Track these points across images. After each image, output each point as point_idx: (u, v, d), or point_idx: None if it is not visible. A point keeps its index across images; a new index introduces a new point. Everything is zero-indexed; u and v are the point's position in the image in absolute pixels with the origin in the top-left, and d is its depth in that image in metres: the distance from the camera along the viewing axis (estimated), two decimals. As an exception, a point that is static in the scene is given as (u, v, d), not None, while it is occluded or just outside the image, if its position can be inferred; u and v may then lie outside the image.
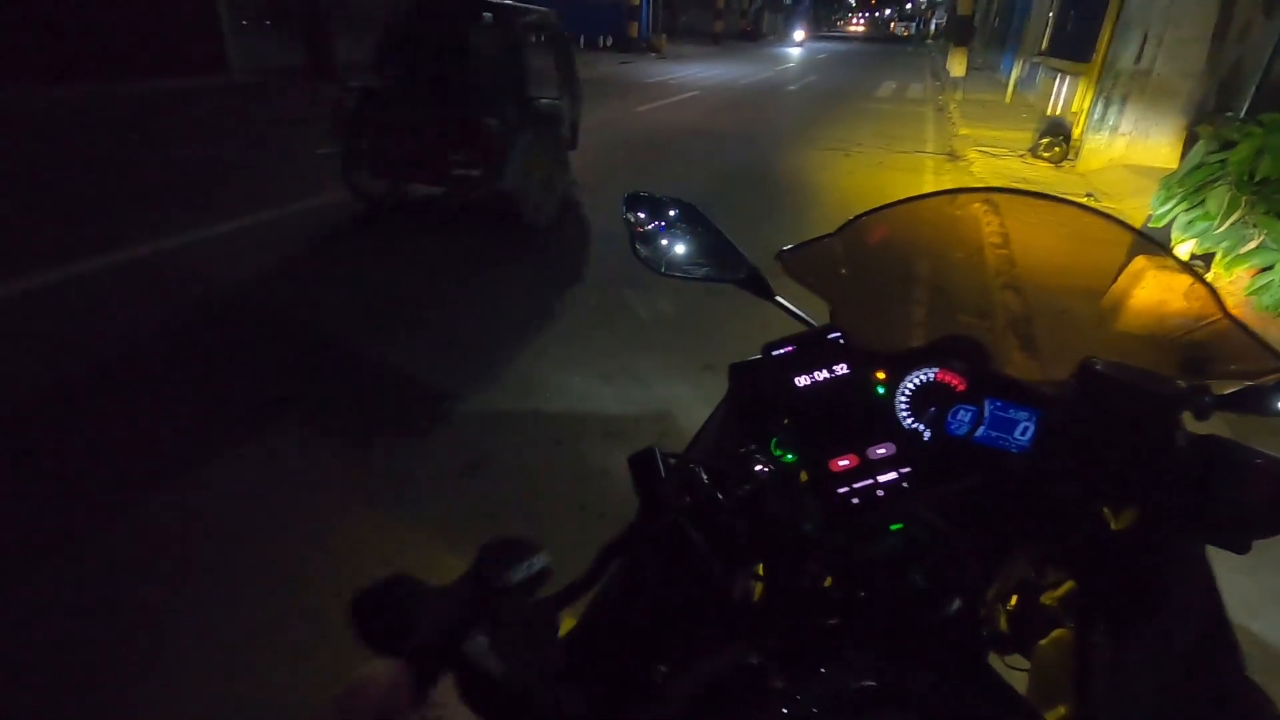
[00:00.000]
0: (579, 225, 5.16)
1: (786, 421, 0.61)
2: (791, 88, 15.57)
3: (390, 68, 4.72)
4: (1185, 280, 0.74)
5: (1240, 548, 0.59)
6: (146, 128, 7.63)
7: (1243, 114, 4.40)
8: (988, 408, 0.77)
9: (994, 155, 8.01)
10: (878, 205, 0.88)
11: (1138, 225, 3.17)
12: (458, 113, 4.34)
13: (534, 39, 5.00)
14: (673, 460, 0.59)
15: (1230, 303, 2.38)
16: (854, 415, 0.61)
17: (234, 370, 2.99)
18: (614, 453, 2.53)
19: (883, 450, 0.59)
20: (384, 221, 4.97)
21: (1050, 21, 12.13)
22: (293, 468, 2.42)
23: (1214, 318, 0.72)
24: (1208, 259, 3.23)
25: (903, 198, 0.88)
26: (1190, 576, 0.64)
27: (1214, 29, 6.38)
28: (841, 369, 0.64)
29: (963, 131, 9.69)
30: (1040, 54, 12.47)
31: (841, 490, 0.57)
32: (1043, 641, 0.80)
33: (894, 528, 0.55)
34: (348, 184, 4.80)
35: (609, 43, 22.36)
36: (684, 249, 0.95)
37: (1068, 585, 0.79)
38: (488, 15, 4.53)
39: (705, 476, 0.58)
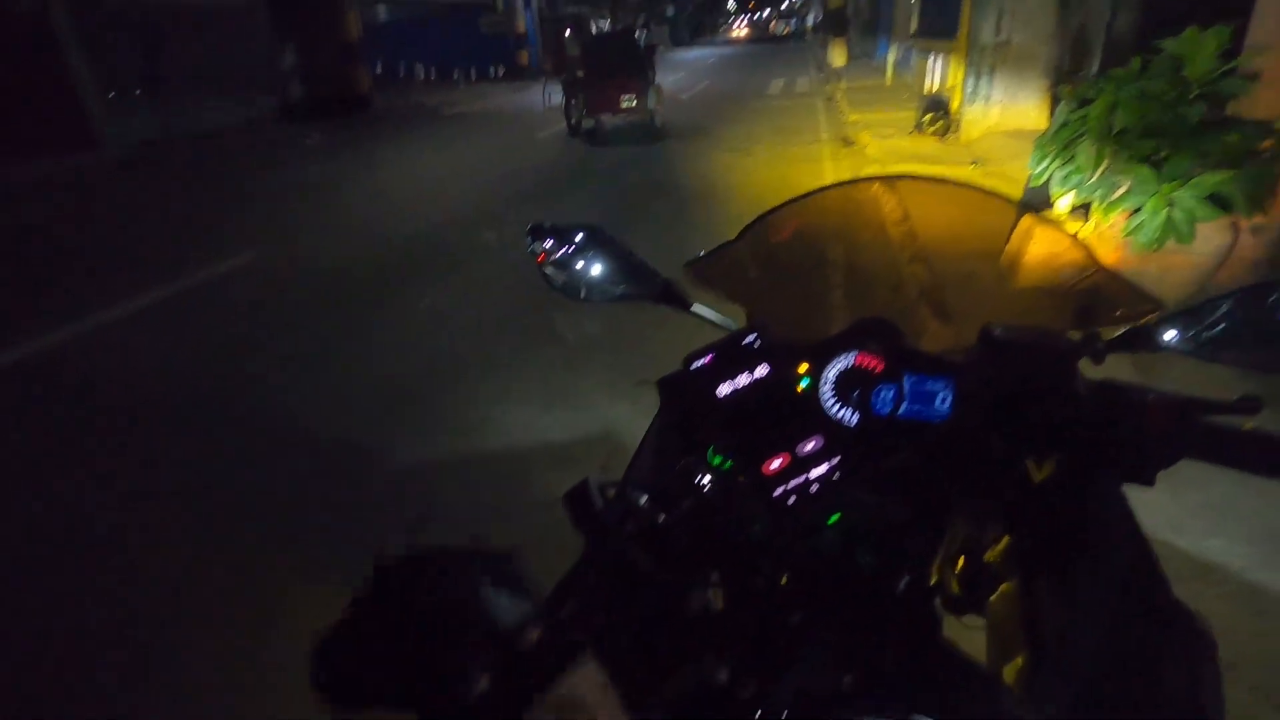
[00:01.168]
0: (488, 256, 5.10)
1: (717, 431, 0.61)
2: (684, 96, 15.91)
3: (589, 60, 10.34)
4: (1064, 239, 0.79)
5: (1147, 480, 0.63)
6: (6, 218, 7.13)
7: (1094, 71, 4.77)
8: (906, 383, 0.80)
9: (884, 136, 8.40)
10: (776, 205, 0.91)
11: (1021, 184, 3.37)
12: (630, 78, 9.79)
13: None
14: (610, 488, 0.58)
15: (1111, 244, 2.54)
16: (780, 414, 0.62)
17: (152, 448, 2.80)
18: (564, 481, 2.46)
19: (811, 444, 0.60)
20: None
21: (916, 6, 12.86)
22: (227, 549, 2.28)
23: (1092, 269, 0.77)
24: (1087, 208, 3.48)
25: (797, 194, 0.91)
26: (1111, 514, 0.68)
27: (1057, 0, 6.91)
28: (762, 370, 0.65)
29: (852, 118, 10.13)
30: (911, 37, 13.19)
31: (778, 491, 0.58)
32: (993, 598, 0.83)
33: (832, 519, 0.56)
34: (568, 119, 10.62)
35: (501, 73, 22.36)
36: (596, 272, 0.95)
37: (1006, 540, 0.82)
38: (637, 39, 10.86)
39: (645, 499, 0.57)
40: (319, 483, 2.61)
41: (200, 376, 3.50)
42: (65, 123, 10.56)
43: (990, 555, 0.87)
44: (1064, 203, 3.66)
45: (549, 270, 0.97)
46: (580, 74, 10.33)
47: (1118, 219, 3.22)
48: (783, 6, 78.45)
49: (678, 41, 44.70)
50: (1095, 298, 0.75)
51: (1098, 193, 3.27)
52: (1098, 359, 0.76)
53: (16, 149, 9.76)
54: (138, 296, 4.55)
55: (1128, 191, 3.15)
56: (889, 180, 0.92)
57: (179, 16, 12.33)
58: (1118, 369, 0.76)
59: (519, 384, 3.19)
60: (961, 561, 0.91)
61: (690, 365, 0.65)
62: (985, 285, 0.96)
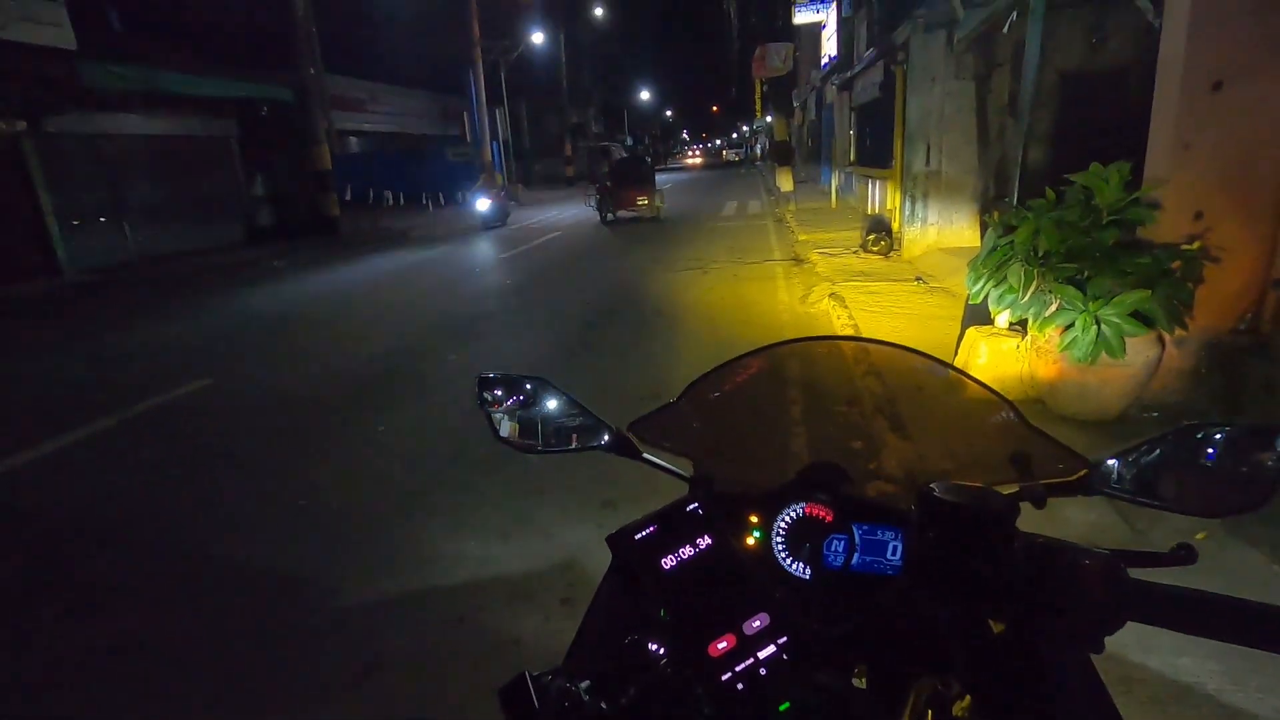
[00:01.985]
0: (448, 379, 5.10)
1: (662, 612, 0.60)
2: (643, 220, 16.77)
3: (614, 174, 16.08)
4: (994, 399, 0.82)
5: (1095, 646, 0.63)
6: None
7: (1015, 199, 5.20)
8: (857, 533, 0.80)
9: (832, 255, 8.90)
10: (715, 360, 0.94)
11: (962, 298, 3.55)
12: (642, 185, 15.42)
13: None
14: (550, 676, 0.56)
15: (1050, 358, 2.66)
16: (725, 588, 0.61)
17: (89, 583, 2.58)
18: (523, 619, 2.37)
19: (758, 623, 0.58)
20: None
21: (852, 139, 14.05)
22: (160, 702, 2.07)
23: (1023, 430, 0.80)
24: (1024, 324, 3.68)
25: (733, 357, 0.94)
26: (1073, 676, 0.67)
27: (977, 134, 7.64)
28: (704, 542, 0.64)
29: (802, 237, 10.75)
30: (850, 165, 14.30)
31: (725, 676, 0.56)
32: (962, 755, 0.79)
33: (783, 707, 0.54)
34: (601, 215, 15.92)
35: (466, 197, 23.32)
36: (546, 425, 0.95)
37: (968, 698, 0.80)
38: (647, 160, 18.77)
39: (585, 690, 0.55)
40: (264, 625, 2.43)
41: (144, 507, 3.31)
42: (28, 250, 10.57)
43: (957, 709, 0.84)
44: (1002, 319, 3.86)
45: (500, 420, 0.96)
46: (610, 184, 15.89)
47: (1053, 334, 3.41)
48: (733, 136, 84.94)
49: (636, 168, 47.41)
50: (1029, 454, 0.78)
51: (1031, 310, 3.47)
52: (1039, 504, 0.77)
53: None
54: (83, 425, 4.37)
55: (1058, 309, 3.35)
56: (824, 340, 0.96)
57: (147, 147, 12.70)
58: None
59: (476, 512, 3.09)
60: (930, 716, 0.87)
61: (634, 536, 0.64)
62: (926, 435, 0.98)
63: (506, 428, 0.96)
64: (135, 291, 9.90)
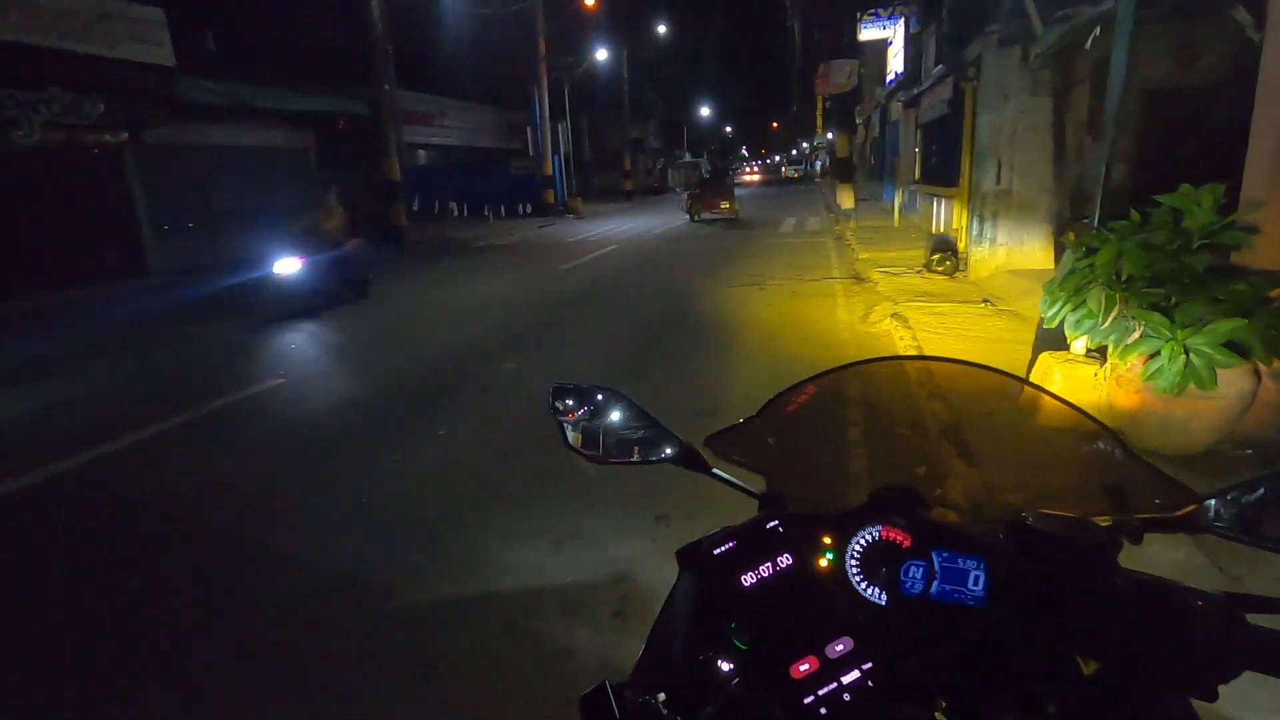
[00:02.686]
0: (508, 386, 5.18)
1: (734, 626, 0.58)
2: (702, 231, 16.77)
3: (703, 185, 20.49)
4: (1089, 423, 0.78)
5: (1207, 695, 0.58)
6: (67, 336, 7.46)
7: (1095, 220, 4.97)
8: (936, 561, 0.76)
9: (894, 274, 8.69)
10: (792, 383, 0.92)
11: (1032, 321, 3.41)
12: (724, 194, 19.24)
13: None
14: (627, 689, 0.55)
15: (1131, 388, 2.51)
16: (806, 609, 0.59)
17: (162, 573, 2.72)
18: (574, 630, 2.37)
19: (841, 646, 0.56)
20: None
21: (917, 156, 13.75)
22: (221, 695, 2.15)
23: (1123, 458, 0.75)
24: (1103, 351, 3.50)
25: (815, 373, 0.92)
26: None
27: (1053, 152, 7.36)
28: (785, 560, 0.62)
29: (862, 255, 10.54)
30: (915, 183, 13.99)
31: (807, 700, 0.54)
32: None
33: None
34: (691, 215, 19.74)
35: (529, 210, 23.85)
36: (615, 435, 0.95)
37: None
38: (729, 174, 28.28)
39: (664, 704, 0.54)
40: (320, 624, 2.50)
41: (211, 503, 3.47)
42: (121, 254, 11.33)
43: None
44: (1079, 345, 3.69)
45: (569, 430, 0.97)
46: (699, 191, 20.10)
47: (1135, 362, 3.23)
48: (792, 153, 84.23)
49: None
50: (1128, 485, 0.73)
51: (1112, 337, 3.30)
52: (1135, 540, 0.72)
53: (76, 274, 10.46)
54: (162, 421, 4.62)
55: (1142, 336, 3.18)
56: (902, 360, 0.93)
57: (234, 157, 13.48)
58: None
59: (530, 521, 3.12)
60: None
61: (711, 550, 0.63)
62: (1016, 424, 0.94)
63: (576, 437, 0.96)
64: (218, 295, 10.44)
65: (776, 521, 0.65)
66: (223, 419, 4.74)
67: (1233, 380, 3.07)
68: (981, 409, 0.98)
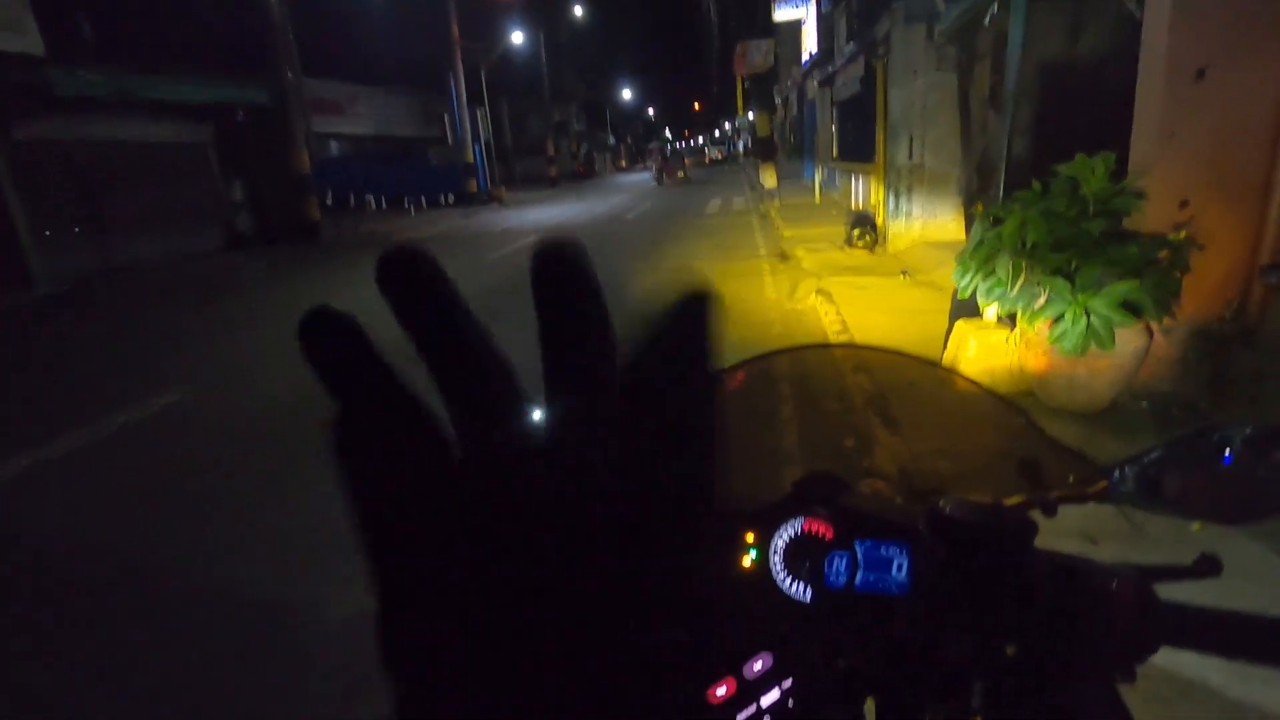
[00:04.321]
0: (431, 391, 5.00)
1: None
2: (629, 217, 16.71)
3: (665, 163, 30.65)
4: (1002, 404, 0.77)
5: (1124, 675, 0.58)
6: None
7: (1001, 191, 5.19)
8: (859, 550, 0.74)
9: (818, 250, 8.88)
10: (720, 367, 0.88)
11: (948, 291, 3.51)
12: (680, 165, 30.91)
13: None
14: None
15: (1040, 350, 2.63)
16: (722, 623, 0.55)
17: (60, 605, 2.49)
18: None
19: (759, 664, 0.53)
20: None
21: (834, 134, 14.07)
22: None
23: (1036, 438, 0.75)
24: (1013, 317, 3.66)
25: (734, 363, 0.89)
26: (1098, 701, 0.62)
27: (960, 126, 7.65)
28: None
29: (787, 234, 10.73)
30: (834, 160, 14.33)
31: None
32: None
33: None
34: (658, 180, 29.05)
35: (451, 199, 23.19)
36: None
37: None
38: (678, 150, 44.22)
39: None
40: (246, 644, 2.35)
41: (118, 526, 3.21)
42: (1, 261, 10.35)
43: (969, 736, 0.79)
44: (990, 312, 3.84)
45: None
46: (662, 165, 29.34)
47: (1042, 326, 3.38)
48: (716, 134, 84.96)
49: (620, 166, 47.67)
50: (1042, 464, 0.73)
51: (1020, 303, 3.45)
52: (1050, 513, 0.72)
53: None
54: (49, 443, 4.24)
55: (1047, 301, 3.33)
56: (819, 348, 0.91)
57: (122, 154, 12.48)
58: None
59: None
60: None
61: None
62: (937, 390, 0.94)
63: None
64: (106, 301, 9.70)
65: None
66: (114, 443, 4.39)
67: (1129, 339, 3.26)
68: (903, 380, 0.99)
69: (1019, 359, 3.64)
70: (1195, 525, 0.67)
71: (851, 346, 0.87)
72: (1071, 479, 0.70)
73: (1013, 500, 0.70)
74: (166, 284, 10.87)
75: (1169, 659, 1.72)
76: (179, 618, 2.55)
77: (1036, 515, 0.73)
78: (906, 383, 0.99)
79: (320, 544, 2.96)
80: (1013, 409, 0.76)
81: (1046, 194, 3.57)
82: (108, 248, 11.99)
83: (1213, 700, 1.83)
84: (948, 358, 4.08)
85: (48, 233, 11.01)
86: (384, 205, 22.56)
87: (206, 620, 2.52)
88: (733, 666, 0.52)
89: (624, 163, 54.26)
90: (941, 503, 0.65)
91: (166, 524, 3.24)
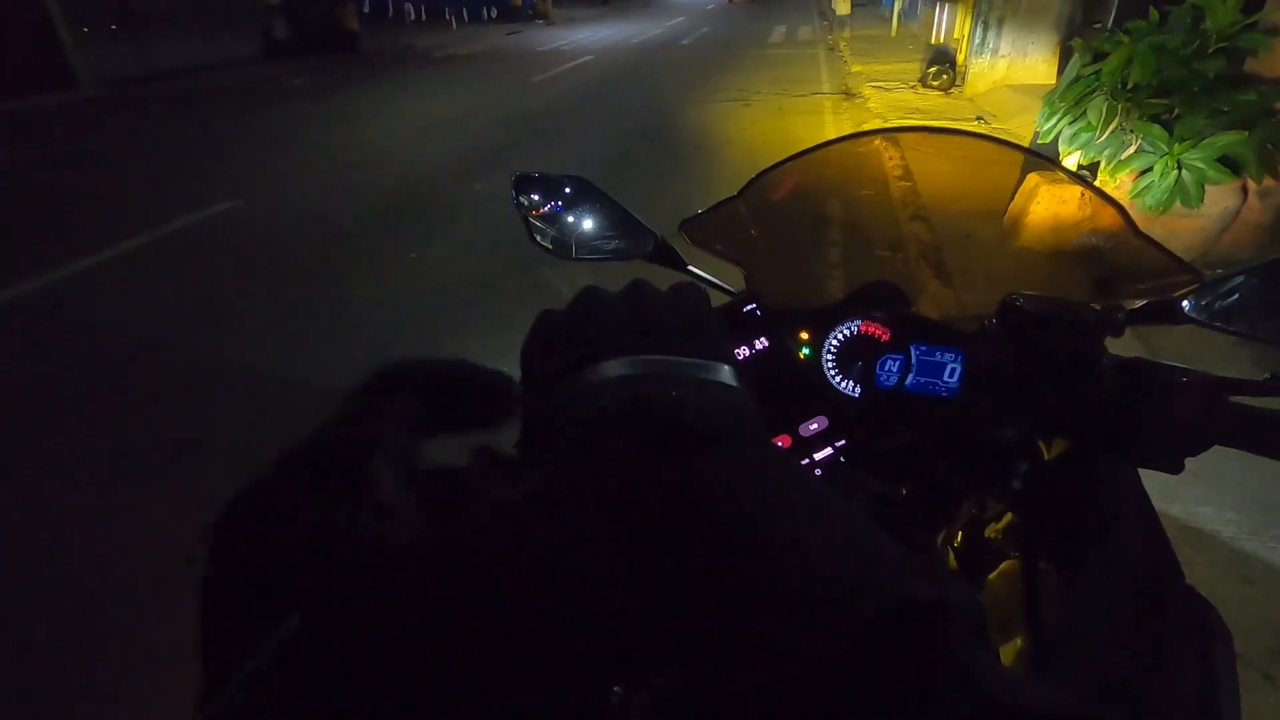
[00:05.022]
0: (478, 208, 4.97)
1: None
2: (685, 42, 15.42)
3: None
4: (1091, 198, 0.73)
5: (1173, 467, 0.59)
6: (-11, 158, 6.89)
7: (1110, 24, 4.60)
8: (914, 354, 0.75)
9: (887, 89, 8.18)
10: (777, 160, 0.84)
11: (1026, 143, 3.26)
12: None
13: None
14: None
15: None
16: (782, 390, 0.57)
17: (134, 402, 2.75)
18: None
19: (815, 425, 0.55)
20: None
21: (924, -49, 12.37)
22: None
23: (1124, 235, 0.71)
24: (1094, 168, 3.39)
25: (799, 150, 0.84)
26: (1124, 498, 0.64)
27: (1074, -56, 6.64)
28: (761, 343, 0.60)
29: (855, 69, 9.84)
30: (918, -16, 12.73)
31: None
32: (992, 575, 0.80)
33: None
34: None
35: (494, 14, 21.57)
36: (585, 229, 0.89)
37: (1009, 517, 0.79)
38: None
39: None
40: (286, 427, 2.57)
41: (180, 329, 3.42)
42: (40, 60, 10.14)
43: (991, 531, 0.84)
44: (1070, 161, 3.56)
45: (535, 224, 0.90)
46: None
47: (1125, 179, 3.14)
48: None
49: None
50: (1124, 266, 0.70)
51: (1106, 152, 3.18)
52: (1117, 331, 0.71)
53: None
54: (116, 243, 4.42)
55: (1137, 151, 3.06)
56: (891, 133, 0.85)
57: (154, -53, 11.71)
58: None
59: (506, 342, 3.12)
60: (960, 536, 0.88)
61: None
62: (996, 246, 0.91)
63: (543, 232, 0.90)
64: (150, 106, 9.58)
65: (754, 305, 0.61)
66: (174, 245, 4.53)
67: (1219, 198, 3.02)
68: (961, 231, 0.94)
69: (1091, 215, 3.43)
70: (1266, 376, 0.65)
71: (909, 129, 0.82)
72: (1154, 285, 0.68)
73: (1086, 301, 0.69)
74: (208, 91, 10.64)
75: (1187, 512, 1.76)
76: (230, 413, 2.77)
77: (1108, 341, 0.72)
78: (965, 232, 0.94)
79: (367, 355, 3.13)
80: (1104, 201, 0.72)
81: (1163, 26, 3.15)
82: (147, 50, 11.62)
83: (1221, 550, 1.90)
84: (1012, 211, 3.83)
85: (85, 29, 10.67)
86: (423, 17, 21.11)
87: (246, 405, 2.74)
88: (790, 426, 0.55)
89: None
90: (1014, 295, 0.64)
91: (221, 319, 3.43)
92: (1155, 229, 3.16)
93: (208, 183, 5.80)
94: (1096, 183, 3.32)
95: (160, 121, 8.67)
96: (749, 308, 0.61)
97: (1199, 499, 1.98)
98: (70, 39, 10.41)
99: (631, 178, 5.49)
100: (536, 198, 0.90)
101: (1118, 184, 3.19)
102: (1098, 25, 5.02)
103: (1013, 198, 0.95)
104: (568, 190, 0.88)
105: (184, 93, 10.55)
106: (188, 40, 12.33)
